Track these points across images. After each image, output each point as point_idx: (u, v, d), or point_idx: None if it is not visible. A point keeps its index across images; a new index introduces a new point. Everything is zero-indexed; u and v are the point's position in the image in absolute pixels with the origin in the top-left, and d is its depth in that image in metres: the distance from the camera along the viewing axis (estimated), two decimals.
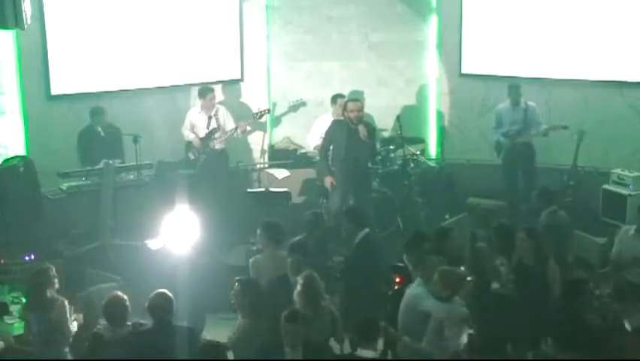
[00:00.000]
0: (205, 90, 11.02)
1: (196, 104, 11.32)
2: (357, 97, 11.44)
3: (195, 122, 11.03)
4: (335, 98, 11.19)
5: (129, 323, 6.70)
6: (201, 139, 10.92)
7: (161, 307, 6.49)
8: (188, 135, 11.02)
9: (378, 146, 10.71)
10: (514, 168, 10.88)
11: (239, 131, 11.09)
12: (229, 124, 11.06)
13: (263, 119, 11.66)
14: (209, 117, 10.97)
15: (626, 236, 8.34)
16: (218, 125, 10.96)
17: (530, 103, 10.82)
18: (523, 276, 7.35)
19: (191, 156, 10.98)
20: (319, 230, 8.14)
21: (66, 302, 7.13)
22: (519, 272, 7.42)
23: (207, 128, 10.95)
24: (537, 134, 10.73)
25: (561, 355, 5.94)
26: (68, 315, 7.12)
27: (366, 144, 9.71)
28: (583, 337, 5.96)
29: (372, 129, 9.95)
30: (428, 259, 7.04)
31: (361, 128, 9.69)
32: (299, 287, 6.79)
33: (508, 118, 10.86)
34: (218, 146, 10.98)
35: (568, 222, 8.78)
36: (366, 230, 8.06)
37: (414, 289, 6.83)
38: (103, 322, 6.82)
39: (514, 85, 10.92)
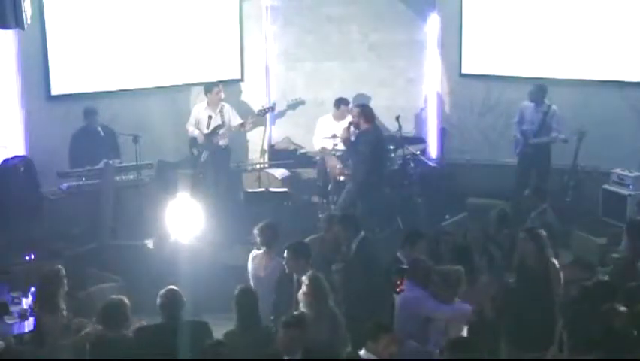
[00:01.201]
0: (211, 85, 11.07)
1: (196, 103, 11.33)
2: (362, 100, 11.55)
3: (200, 117, 11.05)
4: (339, 104, 11.21)
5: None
6: (205, 135, 10.94)
7: (171, 303, 6.52)
8: (193, 131, 11.04)
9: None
10: (527, 167, 10.88)
11: (245, 127, 11.13)
12: (234, 120, 11.09)
13: (267, 116, 11.69)
14: (209, 117, 10.98)
15: None
16: (223, 122, 10.99)
17: (553, 107, 10.75)
18: (525, 277, 7.34)
19: (195, 152, 11.00)
20: (333, 230, 8.15)
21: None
22: (521, 273, 7.41)
23: (207, 127, 10.96)
24: (551, 141, 10.74)
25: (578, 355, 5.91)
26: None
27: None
28: (611, 341, 5.93)
29: (356, 134, 10.08)
30: (420, 261, 7.04)
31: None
32: (304, 287, 6.79)
33: (528, 116, 10.87)
34: (222, 142, 11.00)
35: (556, 221, 8.78)
36: (363, 234, 8.06)
37: (410, 293, 6.79)
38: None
39: (537, 85, 10.86)
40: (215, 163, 10.97)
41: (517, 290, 7.37)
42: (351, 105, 11.16)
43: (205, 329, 6.57)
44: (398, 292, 6.53)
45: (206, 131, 10.97)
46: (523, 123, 10.92)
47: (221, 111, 11.04)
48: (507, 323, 7.18)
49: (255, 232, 7.86)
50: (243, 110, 11.78)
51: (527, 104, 10.92)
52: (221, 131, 10.96)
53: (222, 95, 11.16)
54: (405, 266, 6.98)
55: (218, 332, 6.70)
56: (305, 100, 12.25)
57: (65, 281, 7.18)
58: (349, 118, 10.62)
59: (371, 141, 10.09)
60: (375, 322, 6.20)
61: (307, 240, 7.99)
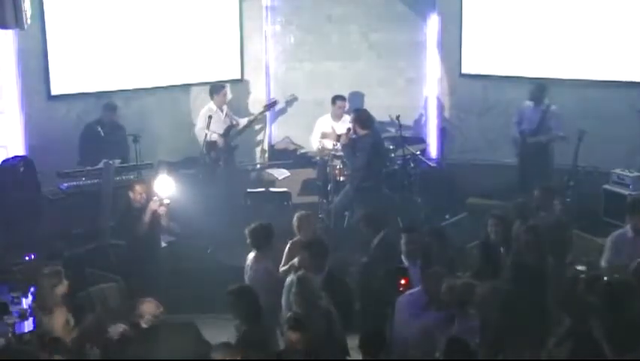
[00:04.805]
0: (218, 87, 11.02)
1: (196, 103, 11.32)
2: (356, 98, 11.51)
3: (215, 119, 10.76)
4: (334, 100, 11.19)
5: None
6: (223, 138, 10.85)
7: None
8: (211, 135, 10.69)
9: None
10: (528, 167, 10.88)
11: (253, 123, 11.25)
12: (236, 121, 11.09)
13: (267, 116, 11.68)
14: (226, 114, 10.95)
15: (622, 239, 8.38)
16: (234, 122, 10.96)
17: (552, 107, 10.74)
18: (522, 273, 7.34)
19: (213, 156, 10.78)
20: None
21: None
22: (517, 269, 7.40)
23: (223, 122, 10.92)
24: (549, 140, 10.73)
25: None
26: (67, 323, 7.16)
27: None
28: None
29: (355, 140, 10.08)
30: (436, 272, 7.02)
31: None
32: (294, 288, 6.81)
33: (527, 116, 10.87)
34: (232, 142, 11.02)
35: (564, 221, 8.78)
36: (383, 232, 8.08)
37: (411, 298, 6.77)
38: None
39: (537, 84, 10.89)
40: (227, 164, 10.91)
41: (514, 287, 7.36)
42: (347, 107, 11.16)
43: (192, 330, 6.59)
44: (401, 292, 6.55)
45: (223, 126, 10.85)
46: (522, 123, 10.93)
47: (227, 113, 11.02)
48: (507, 321, 7.16)
49: (246, 232, 7.81)
50: (243, 110, 11.79)
51: (527, 103, 10.92)
52: (232, 132, 10.93)
53: (229, 95, 11.15)
54: (404, 266, 6.97)
55: (219, 333, 6.72)
56: (299, 97, 12.23)
57: (64, 281, 7.19)
58: (347, 118, 10.62)
59: (368, 148, 10.02)
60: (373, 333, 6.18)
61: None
